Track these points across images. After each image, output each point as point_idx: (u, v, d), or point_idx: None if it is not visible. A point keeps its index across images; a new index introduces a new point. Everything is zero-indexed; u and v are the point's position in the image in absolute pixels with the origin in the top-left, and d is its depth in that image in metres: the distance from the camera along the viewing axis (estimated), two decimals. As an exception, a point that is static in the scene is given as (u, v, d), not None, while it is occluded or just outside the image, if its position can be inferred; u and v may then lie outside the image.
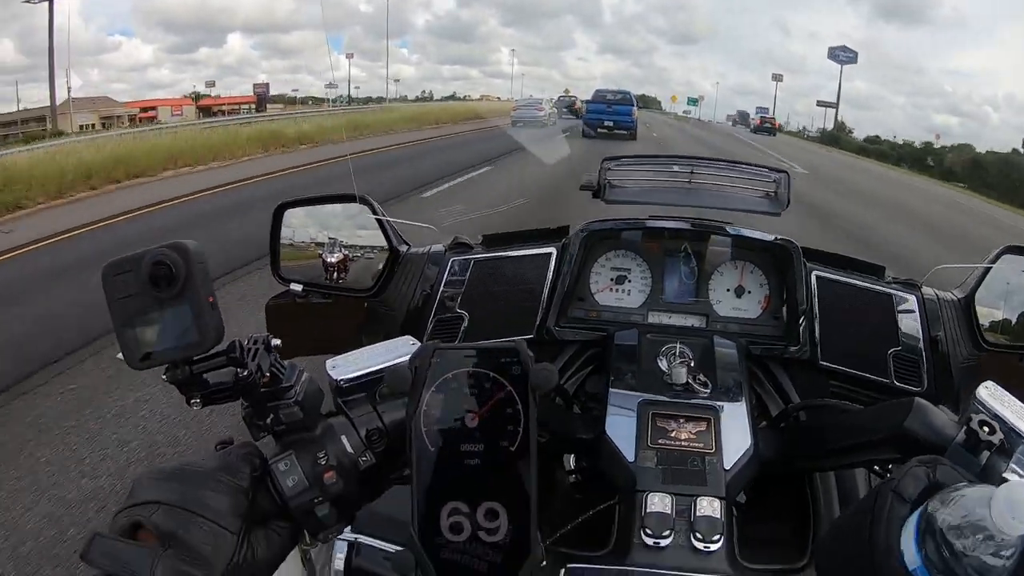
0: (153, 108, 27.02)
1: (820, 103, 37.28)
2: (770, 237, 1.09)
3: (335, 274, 1.13)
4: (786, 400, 1.02)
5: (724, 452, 0.80)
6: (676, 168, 1.20)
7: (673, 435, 0.82)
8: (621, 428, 0.84)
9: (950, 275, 1.15)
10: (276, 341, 0.68)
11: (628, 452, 0.81)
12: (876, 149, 31.33)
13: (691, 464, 0.79)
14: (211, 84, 31.15)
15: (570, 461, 1.05)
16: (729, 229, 1.11)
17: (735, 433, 0.83)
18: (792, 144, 28.05)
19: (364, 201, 1.10)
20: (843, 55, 37.71)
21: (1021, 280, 1.08)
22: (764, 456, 0.83)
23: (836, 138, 34.28)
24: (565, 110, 26.76)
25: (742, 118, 40.17)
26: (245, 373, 0.64)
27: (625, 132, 19.70)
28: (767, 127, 33.83)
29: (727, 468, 0.79)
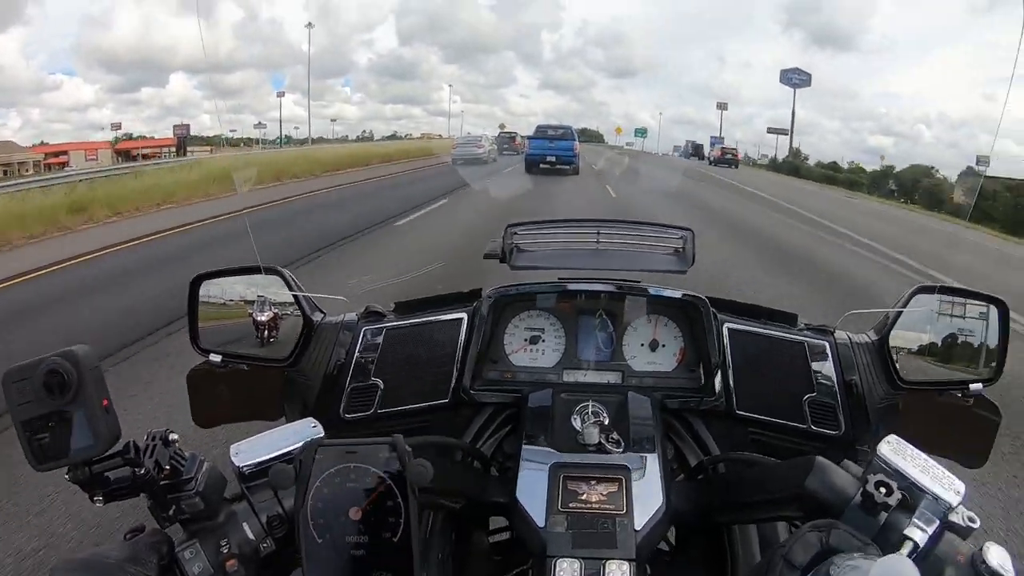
0: (64, 153, 25.60)
1: (771, 130, 36.80)
2: (678, 293, 1.11)
3: (266, 332, 1.13)
4: (705, 451, 1.03)
5: (635, 512, 0.80)
6: (583, 231, 1.22)
7: (584, 498, 0.82)
8: (532, 492, 0.83)
9: (864, 318, 1.17)
10: (174, 435, 0.71)
11: (539, 517, 0.80)
12: (848, 178, 30.61)
13: (601, 527, 0.79)
14: (117, 126, 30.56)
15: (499, 522, 1.04)
16: (639, 287, 1.13)
17: (647, 492, 0.83)
18: (781, 183, 24.92)
19: (277, 272, 1.10)
20: (796, 78, 36.37)
21: (933, 319, 1.11)
22: (679, 510, 0.84)
23: (795, 167, 33.56)
24: (505, 147, 26.24)
25: (695, 149, 37.92)
26: (142, 471, 0.67)
27: (567, 167, 19.14)
28: (728, 159, 31.90)
29: (638, 529, 0.79)
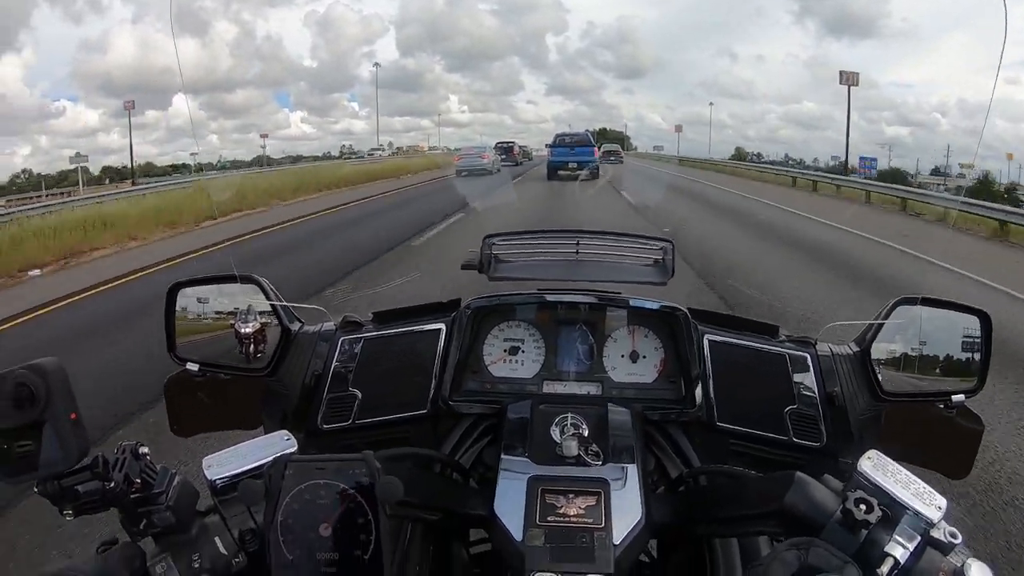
0: None
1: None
2: (657, 304, 1.10)
3: (250, 346, 1.12)
4: (686, 462, 1.02)
5: (614, 526, 0.80)
6: (562, 241, 1.21)
7: (562, 511, 0.81)
8: (510, 505, 0.83)
9: (845, 329, 1.17)
10: (144, 449, 0.70)
11: (516, 530, 0.80)
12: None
13: (579, 541, 0.78)
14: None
15: (479, 533, 1.03)
16: (619, 298, 1.12)
17: (626, 505, 0.82)
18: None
19: (254, 281, 1.09)
20: None
21: (914, 330, 1.10)
22: (660, 522, 0.83)
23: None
24: (502, 157, 25.79)
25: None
26: (112, 485, 0.67)
27: (587, 172, 20.13)
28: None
29: (616, 543, 0.78)
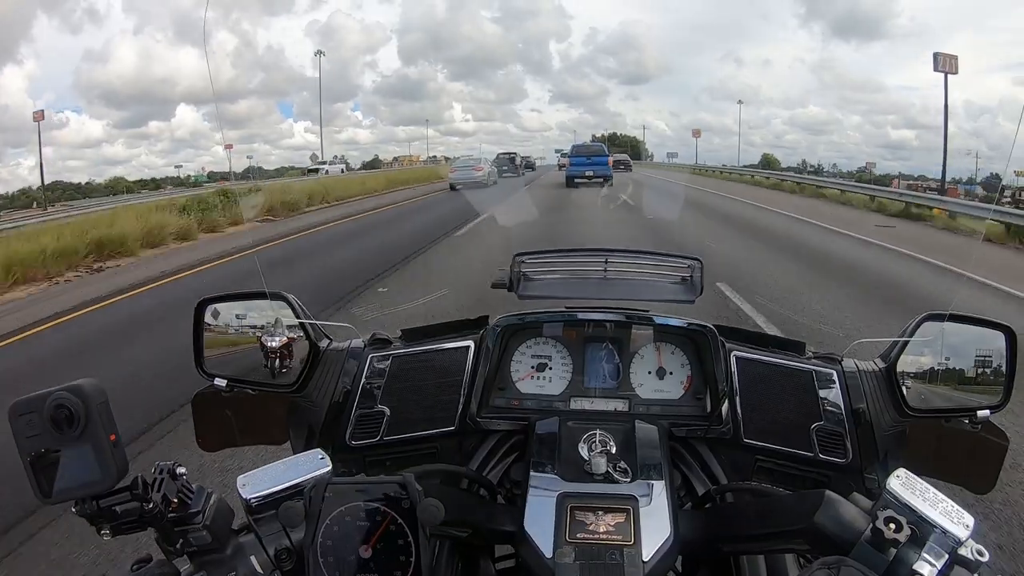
0: None
1: None
2: (685, 322, 1.11)
3: (276, 361, 1.12)
4: (712, 478, 1.03)
5: (643, 543, 0.80)
6: (590, 259, 1.22)
7: (592, 528, 0.81)
8: (540, 522, 0.83)
9: (872, 345, 1.17)
10: (182, 469, 0.71)
11: (546, 547, 0.80)
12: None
13: (609, 558, 0.78)
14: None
15: (504, 549, 1.03)
16: (646, 316, 1.13)
17: (655, 521, 0.83)
18: None
19: (282, 298, 1.10)
20: None
21: (941, 346, 1.10)
22: (687, 539, 0.84)
23: None
24: (504, 168, 26.12)
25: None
26: (150, 506, 0.67)
27: (602, 180, 23.15)
28: None
29: (646, 559, 0.78)
